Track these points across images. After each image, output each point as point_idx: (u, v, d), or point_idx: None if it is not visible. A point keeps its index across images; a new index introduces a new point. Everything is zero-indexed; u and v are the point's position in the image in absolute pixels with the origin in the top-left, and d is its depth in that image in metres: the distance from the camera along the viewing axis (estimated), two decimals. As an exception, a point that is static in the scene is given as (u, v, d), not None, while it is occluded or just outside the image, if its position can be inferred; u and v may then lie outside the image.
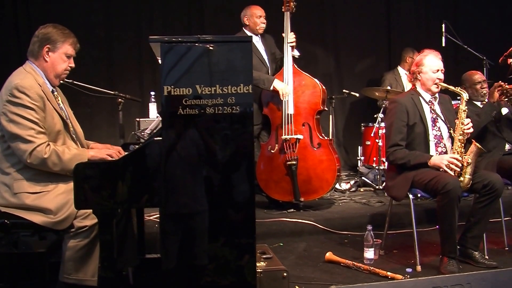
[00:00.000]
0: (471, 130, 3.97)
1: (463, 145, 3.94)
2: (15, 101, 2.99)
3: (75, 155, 3.06)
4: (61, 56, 3.18)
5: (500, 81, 4.58)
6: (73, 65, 3.27)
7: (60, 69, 3.20)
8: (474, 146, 3.88)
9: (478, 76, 4.94)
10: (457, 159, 3.83)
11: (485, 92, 4.86)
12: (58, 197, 3.02)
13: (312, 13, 7.70)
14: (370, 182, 6.49)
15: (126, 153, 3.22)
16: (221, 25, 7.09)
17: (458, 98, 4.04)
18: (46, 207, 2.98)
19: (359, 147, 6.89)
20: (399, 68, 7.32)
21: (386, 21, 8.15)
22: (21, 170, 3.05)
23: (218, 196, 2.76)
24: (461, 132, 3.94)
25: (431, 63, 4.10)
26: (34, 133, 2.99)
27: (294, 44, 5.32)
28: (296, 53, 5.40)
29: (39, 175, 3.05)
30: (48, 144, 3.01)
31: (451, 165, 3.81)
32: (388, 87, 6.58)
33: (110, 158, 3.14)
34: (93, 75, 6.41)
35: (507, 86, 4.53)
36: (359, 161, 6.85)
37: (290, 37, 5.29)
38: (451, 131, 4.03)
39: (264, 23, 5.56)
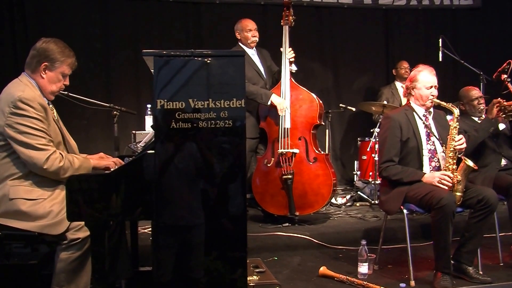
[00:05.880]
0: (464, 146, 3.98)
1: (454, 161, 3.95)
2: (21, 113, 3.00)
3: (82, 163, 3.14)
4: (58, 75, 3.20)
5: (499, 98, 4.59)
6: (67, 83, 3.29)
7: (55, 87, 3.23)
8: (464, 164, 3.89)
9: (475, 92, 4.94)
10: (447, 176, 3.84)
11: (482, 108, 4.87)
12: (54, 205, 3.03)
13: (310, 28, 7.74)
14: (366, 197, 6.50)
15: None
16: (219, 38, 7.08)
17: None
18: (41, 214, 2.98)
19: (356, 162, 6.90)
20: (396, 82, 7.34)
21: (384, 35, 8.18)
22: (18, 179, 3.05)
23: (211, 209, 2.75)
24: (452, 149, 3.95)
25: (425, 79, 4.13)
26: (45, 141, 3.03)
27: (293, 59, 5.34)
28: (294, 67, 5.40)
29: (36, 184, 3.06)
30: (61, 153, 3.06)
31: (442, 181, 3.83)
32: (385, 102, 6.60)
33: (114, 166, 3.21)
34: (90, 87, 6.44)
35: (505, 103, 4.54)
36: (355, 175, 6.86)
37: (288, 52, 5.30)
38: (444, 147, 4.04)
39: (255, 36, 5.55)
